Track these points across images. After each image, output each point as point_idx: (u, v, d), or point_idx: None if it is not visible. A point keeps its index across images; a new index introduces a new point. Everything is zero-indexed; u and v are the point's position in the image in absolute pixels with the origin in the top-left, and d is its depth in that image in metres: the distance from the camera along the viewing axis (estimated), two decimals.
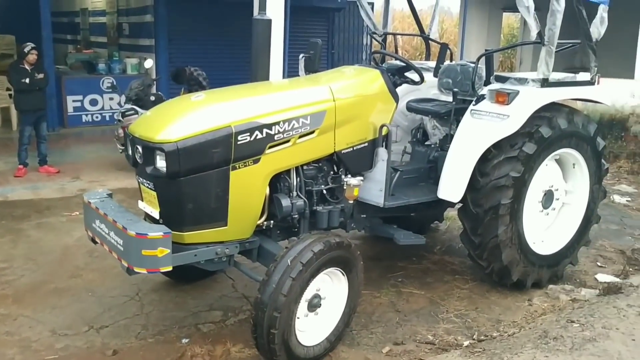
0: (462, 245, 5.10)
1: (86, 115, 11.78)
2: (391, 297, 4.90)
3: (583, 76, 5.15)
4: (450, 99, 5.11)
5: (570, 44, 5.26)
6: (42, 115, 8.27)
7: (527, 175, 4.67)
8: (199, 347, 4.05)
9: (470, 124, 4.66)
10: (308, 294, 3.74)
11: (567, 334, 4.15)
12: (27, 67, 8.03)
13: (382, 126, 4.44)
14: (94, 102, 11.81)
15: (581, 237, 5.26)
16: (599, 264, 5.75)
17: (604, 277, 5.36)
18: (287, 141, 3.96)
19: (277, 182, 4.11)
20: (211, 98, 4.02)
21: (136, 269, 3.48)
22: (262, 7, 5.86)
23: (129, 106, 8.29)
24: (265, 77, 5.61)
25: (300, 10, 11.43)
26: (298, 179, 4.19)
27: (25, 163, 8.18)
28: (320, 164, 4.34)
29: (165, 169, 3.56)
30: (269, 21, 5.66)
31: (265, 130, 3.82)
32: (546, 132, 4.65)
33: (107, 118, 11.74)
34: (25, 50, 8.06)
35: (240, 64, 11.18)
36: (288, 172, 4.13)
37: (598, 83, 5.16)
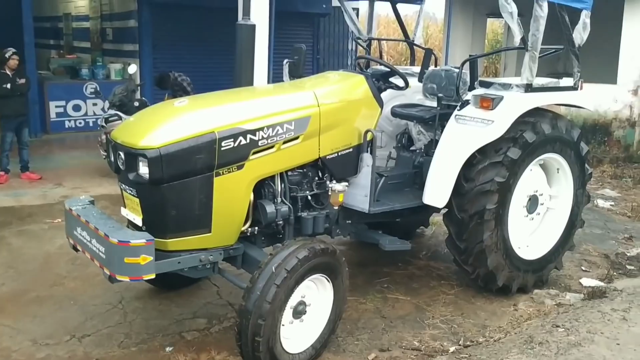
0: (448, 251, 5.10)
1: (69, 121, 11.67)
2: (377, 303, 4.88)
3: (566, 81, 5.18)
4: (435, 104, 5.12)
5: (554, 50, 5.30)
6: (23, 121, 8.19)
7: (512, 181, 4.68)
8: (183, 356, 4.00)
9: (455, 129, 4.66)
10: (293, 300, 3.72)
11: (553, 339, 4.15)
12: (8, 72, 7.95)
13: (366, 131, 4.43)
14: (77, 108, 11.71)
15: (566, 241, 5.28)
16: (583, 268, 5.78)
17: (588, 282, 5.38)
18: (272, 147, 3.93)
19: (262, 188, 4.08)
20: (194, 104, 3.99)
21: (118, 277, 3.44)
22: (246, 12, 5.83)
23: (112, 112, 8.24)
24: (250, 83, 5.58)
25: (285, 16, 11.42)
26: (282, 185, 4.16)
27: (6, 169, 8.08)
28: (304, 170, 4.32)
29: (148, 176, 3.52)
30: (253, 26, 5.64)
31: (249, 136, 3.79)
32: (530, 137, 4.67)
33: (91, 124, 11.64)
34: (7, 55, 7.97)
35: (225, 69, 11.12)
36: (272, 178, 4.10)
37: (581, 88, 5.20)
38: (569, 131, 5.02)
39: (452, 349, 4.20)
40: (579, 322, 4.41)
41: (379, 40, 6.30)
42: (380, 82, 4.67)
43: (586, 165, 5.26)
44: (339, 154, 4.38)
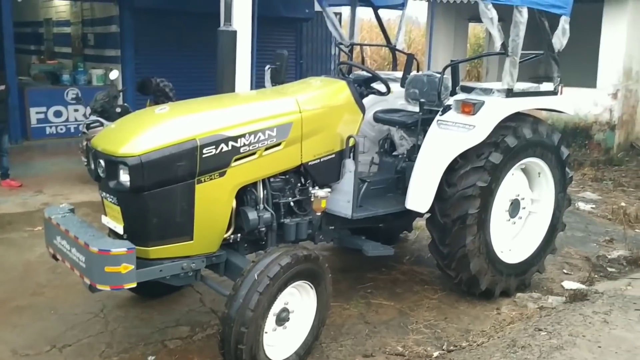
0: (431, 255, 5.11)
1: (50, 127, 11.55)
2: (360, 308, 4.88)
3: (546, 86, 5.23)
4: (417, 109, 5.13)
5: (534, 55, 5.34)
6: (3, 128, 8.09)
7: (494, 185, 4.70)
8: None
9: (437, 134, 4.68)
10: (276, 307, 3.70)
11: (535, 343, 4.17)
12: None
13: (349, 137, 4.43)
14: (58, 114, 11.59)
15: (547, 245, 5.32)
16: (565, 271, 5.82)
17: (570, 284, 5.42)
18: (253, 153, 3.93)
19: (244, 194, 4.07)
20: (176, 111, 3.96)
21: (99, 286, 3.41)
22: (228, 18, 5.81)
23: (94, 118, 8.17)
24: (232, 89, 5.55)
25: (267, 21, 11.40)
26: (265, 191, 4.15)
27: None
28: (287, 176, 4.31)
29: (128, 183, 3.50)
30: (234, 32, 5.61)
31: (230, 142, 3.78)
32: (512, 142, 4.70)
33: (72, 130, 11.52)
34: None
35: (207, 75, 11.07)
36: (255, 184, 4.09)
37: (561, 93, 5.25)
38: (549, 135, 5.06)
39: (435, 353, 4.21)
40: (561, 325, 4.44)
41: (361, 45, 6.32)
42: (362, 87, 4.68)
43: (567, 169, 5.30)
44: (322, 160, 4.38)
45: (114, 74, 9.35)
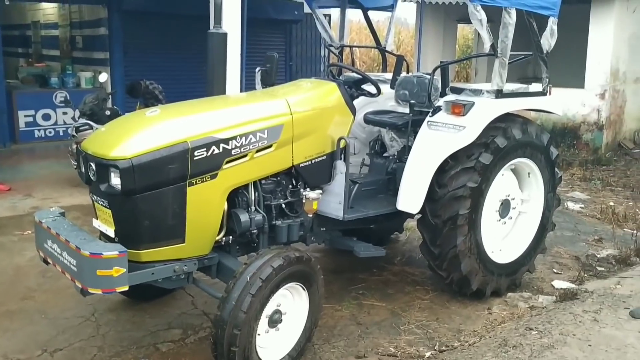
0: (422, 256, 5.13)
1: (39, 130, 11.49)
2: (352, 309, 4.89)
3: (535, 87, 5.27)
4: (407, 110, 5.15)
5: (523, 56, 5.38)
6: None
7: (484, 186, 4.73)
8: None
9: (427, 135, 4.70)
10: (268, 309, 3.70)
11: (526, 342, 4.20)
12: None
13: (340, 139, 4.45)
14: (46, 117, 11.52)
15: (537, 244, 5.35)
16: (555, 270, 5.86)
17: (560, 284, 5.46)
18: (245, 156, 3.93)
19: (235, 197, 4.07)
20: (166, 113, 3.95)
21: (91, 290, 3.39)
22: (218, 20, 5.80)
23: (83, 121, 8.12)
24: (222, 91, 5.55)
25: (257, 23, 11.40)
26: (256, 193, 4.15)
27: None
28: (278, 178, 4.31)
29: (119, 187, 3.49)
30: (225, 35, 5.61)
31: (222, 145, 3.78)
32: (502, 143, 4.73)
33: (61, 133, 11.46)
34: None
35: (197, 77, 11.06)
36: (246, 187, 4.09)
37: (550, 93, 5.29)
38: (539, 136, 5.10)
39: (427, 354, 4.23)
40: (551, 324, 4.47)
41: (351, 47, 6.34)
42: (352, 89, 4.69)
43: (556, 169, 5.34)
44: (313, 161, 4.39)
45: (103, 77, 9.30)
